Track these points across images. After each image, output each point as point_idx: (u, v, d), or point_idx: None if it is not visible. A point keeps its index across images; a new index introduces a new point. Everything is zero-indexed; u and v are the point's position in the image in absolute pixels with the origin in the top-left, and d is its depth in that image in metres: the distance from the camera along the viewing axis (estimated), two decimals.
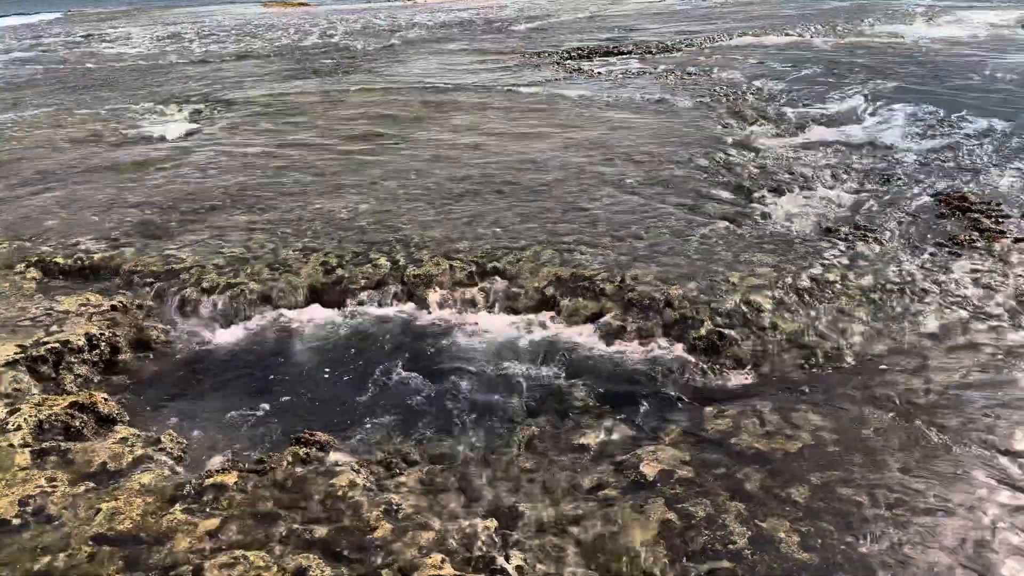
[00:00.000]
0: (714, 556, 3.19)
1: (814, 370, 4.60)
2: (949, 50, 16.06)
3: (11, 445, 3.93)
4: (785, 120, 10.57)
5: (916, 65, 14.39)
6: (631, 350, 5.02)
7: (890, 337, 4.89)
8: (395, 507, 3.48)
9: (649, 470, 3.71)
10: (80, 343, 5.07)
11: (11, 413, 4.21)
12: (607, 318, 5.31)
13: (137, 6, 45.22)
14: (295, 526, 3.37)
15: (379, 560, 3.18)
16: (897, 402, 4.21)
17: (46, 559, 3.19)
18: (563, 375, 4.78)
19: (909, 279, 5.63)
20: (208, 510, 3.46)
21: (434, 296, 5.78)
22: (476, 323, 5.49)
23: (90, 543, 3.27)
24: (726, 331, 4.99)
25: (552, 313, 5.52)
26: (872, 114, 10.88)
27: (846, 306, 5.25)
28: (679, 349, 4.95)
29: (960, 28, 19.37)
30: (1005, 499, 3.46)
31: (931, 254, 6.11)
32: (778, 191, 7.64)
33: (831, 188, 7.82)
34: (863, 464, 3.71)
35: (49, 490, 3.61)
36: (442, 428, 4.25)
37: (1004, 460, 3.72)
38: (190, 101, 13.11)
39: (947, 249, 6.20)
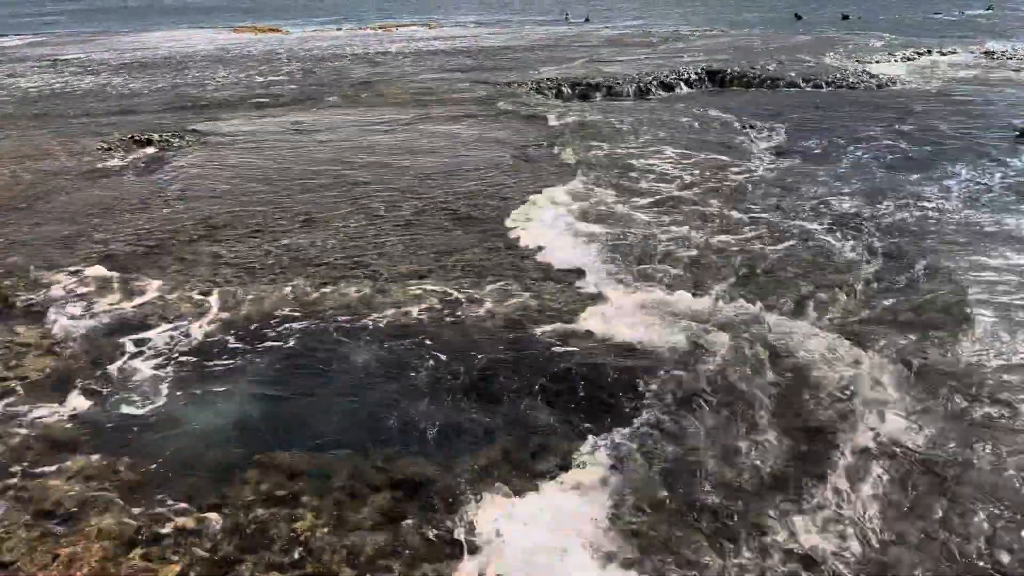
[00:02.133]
0: None
1: None
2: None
3: None
4: None
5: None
6: None
7: None
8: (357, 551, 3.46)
9: None
10: (39, 377, 5.00)
11: None
12: None
13: (103, 30, 44.94)
14: (257, 572, 3.34)
15: None
16: None
17: None
18: None
19: None
20: (168, 555, 3.42)
21: None
22: None
23: None
24: None
25: None
26: None
27: None
28: None
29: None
30: None
31: None
32: None
33: None
34: None
35: (5, 535, 3.55)
36: None
37: None
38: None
39: None
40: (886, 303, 5.97)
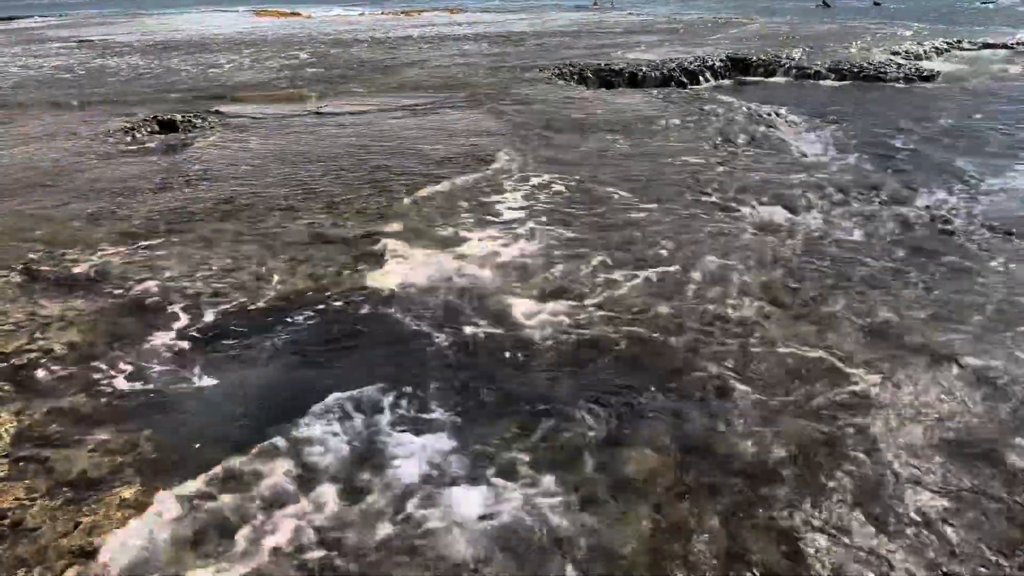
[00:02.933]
0: None
1: None
2: None
3: None
4: None
5: None
6: None
7: None
8: None
9: None
10: (63, 350, 5.05)
11: None
12: None
13: (126, 10, 45.18)
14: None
15: None
16: None
17: (21, 572, 3.17)
18: None
19: None
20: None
21: None
22: None
23: (67, 556, 3.25)
24: None
25: None
26: None
27: None
28: None
29: None
30: None
31: None
32: None
33: None
34: None
35: (28, 503, 3.58)
36: None
37: None
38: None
39: None
40: None
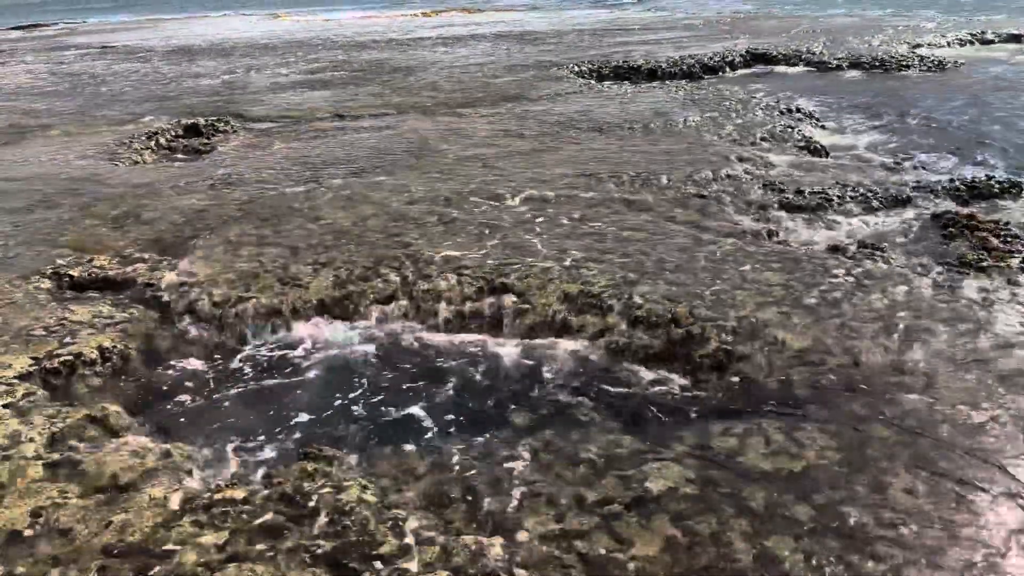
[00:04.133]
0: (718, 573, 3.20)
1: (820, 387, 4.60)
2: None
3: (24, 457, 3.98)
4: None
5: None
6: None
7: (897, 355, 4.88)
8: (401, 522, 3.51)
9: (655, 486, 3.73)
10: (93, 355, 5.14)
11: (24, 424, 4.27)
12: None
13: (147, 15, 45.68)
14: (302, 541, 3.40)
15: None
16: (903, 422, 4.21)
17: (57, 571, 3.24)
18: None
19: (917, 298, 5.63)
20: (217, 524, 3.50)
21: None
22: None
23: (100, 555, 3.32)
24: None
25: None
26: None
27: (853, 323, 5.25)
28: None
29: None
30: (1011, 521, 3.45)
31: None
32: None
33: None
34: (867, 484, 3.71)
35: (60, 502, 3.66)
36: (446, 442, 4.29)
37: (1009, 481, 3.72)
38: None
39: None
40: None
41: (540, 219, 7.34)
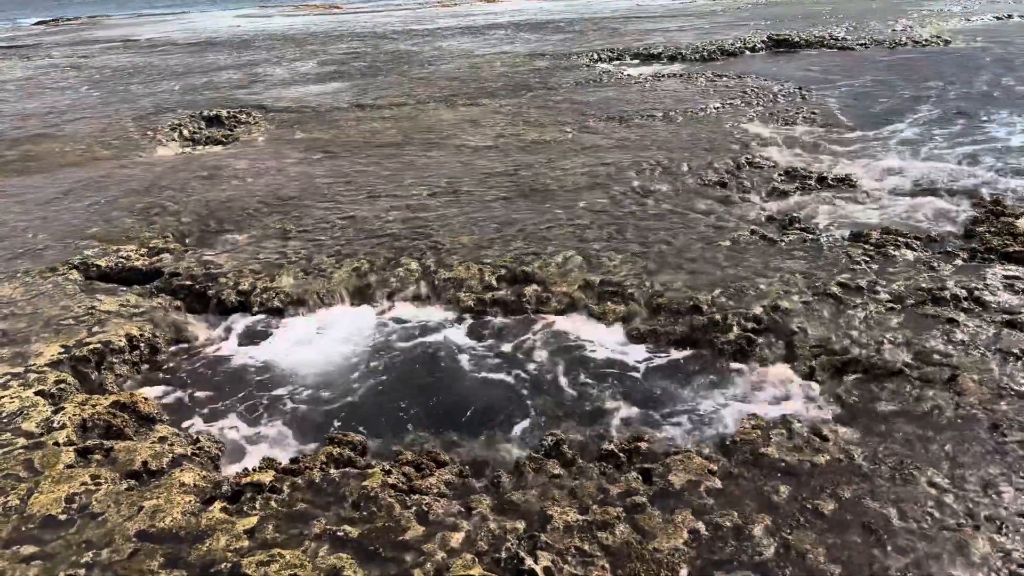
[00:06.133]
0: (740, 566, 3.21)
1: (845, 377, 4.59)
2: None
3: (56, 443, 4.07)
4: None
5: None
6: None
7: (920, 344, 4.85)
8: (426, 508, 3.55)
9: (677, 479, 3.74)
10: (121, 343, 5.22)
11: (57, 412, 4.36)
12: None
13: (169, 11, 45.96)
14: (329, 526, 3.45)
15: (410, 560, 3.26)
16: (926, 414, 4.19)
17: (90, 554, 3.31)
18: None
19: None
20: (245, 509, 3.56)
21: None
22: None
23: (133, 539, 3.39)
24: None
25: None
26: None
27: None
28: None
29: None
30: None
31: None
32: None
33: None
34: (891, 477, 3.70)
35: (93, 488, 3.73)
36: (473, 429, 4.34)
37: None
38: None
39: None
40: None
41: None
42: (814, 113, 11.03)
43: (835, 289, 5.52)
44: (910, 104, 11.62)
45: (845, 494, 3.57)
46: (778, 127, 10.30)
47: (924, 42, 17.10)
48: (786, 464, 3.80)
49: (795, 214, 7.14)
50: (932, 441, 3.93)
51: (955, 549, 3.24)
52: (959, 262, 5.99)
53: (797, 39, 17.84)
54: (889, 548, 3.25)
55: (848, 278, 5.68)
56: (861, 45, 17.15)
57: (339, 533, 3.40)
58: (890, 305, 5.30)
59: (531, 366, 5.00)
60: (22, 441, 4.09)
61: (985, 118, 10.55)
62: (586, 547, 3.33)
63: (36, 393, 4.55)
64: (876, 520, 3.40)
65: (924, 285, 5.54)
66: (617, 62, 16.49)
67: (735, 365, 4.87)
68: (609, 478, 3.78)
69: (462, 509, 3.58)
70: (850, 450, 3.88)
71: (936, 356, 4.66)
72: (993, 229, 6.54)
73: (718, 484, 3.68)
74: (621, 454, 3.97)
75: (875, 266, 5.91)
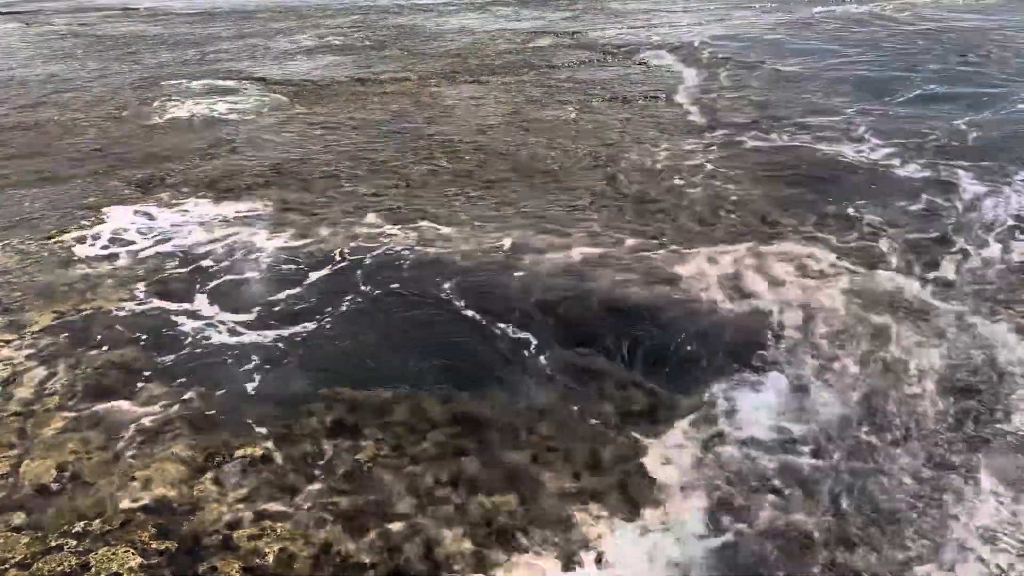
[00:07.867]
0: None
1: None
2: None
3: (47, 409, 4.05)
4: None
5: None
6: None
7: None
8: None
9: None
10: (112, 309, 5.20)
11: (49, 377, 4.34)
12: None
13: None
14: (320, 499, 3.45)
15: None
16: None
17: (81, 524, 3.30)
18: None
19: None
20: (237, 480, 3.55)
21: None
22: None
23: (123, 510, 3.38)
24: None
25: None
26: None
27: None
28: None
29: None
30: None
31: None
32: None
33: None
34: None
35: (85, 456, 3.72)
36: None
37: None
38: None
39: None
40: None
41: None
42: None
43: None
44: None
45: None
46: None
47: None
48: None
49: None
50: None
51: None
52: None
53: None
54: None
55: None
56: None
57: (330, 504, 3.38)
58: None
59: None
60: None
61: None
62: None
63: (27, 358, 4.52)
64: None
65: None
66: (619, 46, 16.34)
67: None
68: None
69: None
70: None
71: None
72: None
73: None
74: None
75: None
